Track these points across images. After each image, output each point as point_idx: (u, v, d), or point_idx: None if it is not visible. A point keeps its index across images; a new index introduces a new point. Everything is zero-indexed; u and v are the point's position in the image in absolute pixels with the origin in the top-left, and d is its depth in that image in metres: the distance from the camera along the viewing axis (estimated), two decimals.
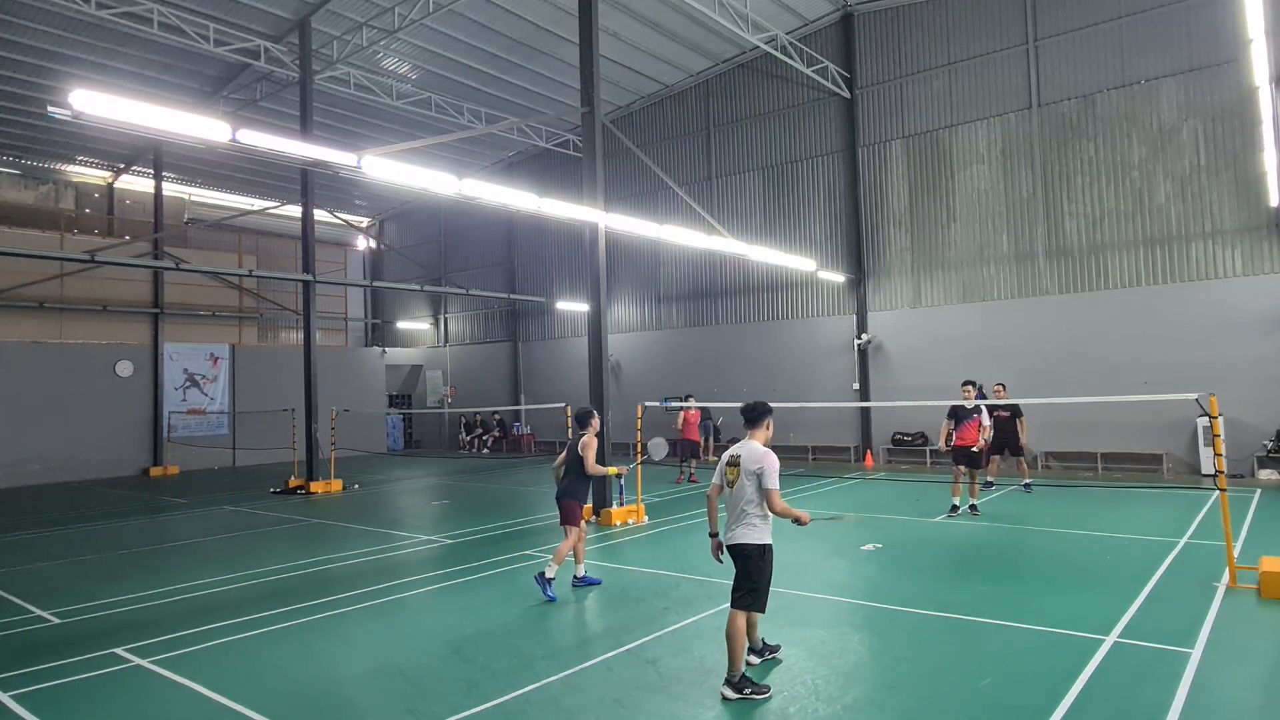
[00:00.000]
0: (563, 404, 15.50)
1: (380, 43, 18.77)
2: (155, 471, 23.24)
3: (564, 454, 8.38)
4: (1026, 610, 6.79)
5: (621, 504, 12.23)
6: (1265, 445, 14.83)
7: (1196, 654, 5.61)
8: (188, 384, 24.72)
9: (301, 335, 18.87)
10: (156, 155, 24.54)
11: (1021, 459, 13.81)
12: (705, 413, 20.05)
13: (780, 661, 5.75)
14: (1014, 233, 17.96)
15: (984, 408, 11.82)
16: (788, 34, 19.47)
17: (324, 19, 18.16)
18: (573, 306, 25.52)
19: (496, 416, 28.70)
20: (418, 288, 23.54)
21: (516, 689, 5.41)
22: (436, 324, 31.99)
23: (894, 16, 19.68)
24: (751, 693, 5.09)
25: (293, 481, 17.65)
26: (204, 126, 8.50)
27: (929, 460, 18.69)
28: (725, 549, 5.41)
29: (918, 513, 11.96)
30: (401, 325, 33.18)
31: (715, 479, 5.62)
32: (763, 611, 5.36)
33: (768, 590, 5.33)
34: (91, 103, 7.53)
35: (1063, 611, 6.70)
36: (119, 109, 7.70)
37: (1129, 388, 15.72)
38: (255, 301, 26.89)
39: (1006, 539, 10.13)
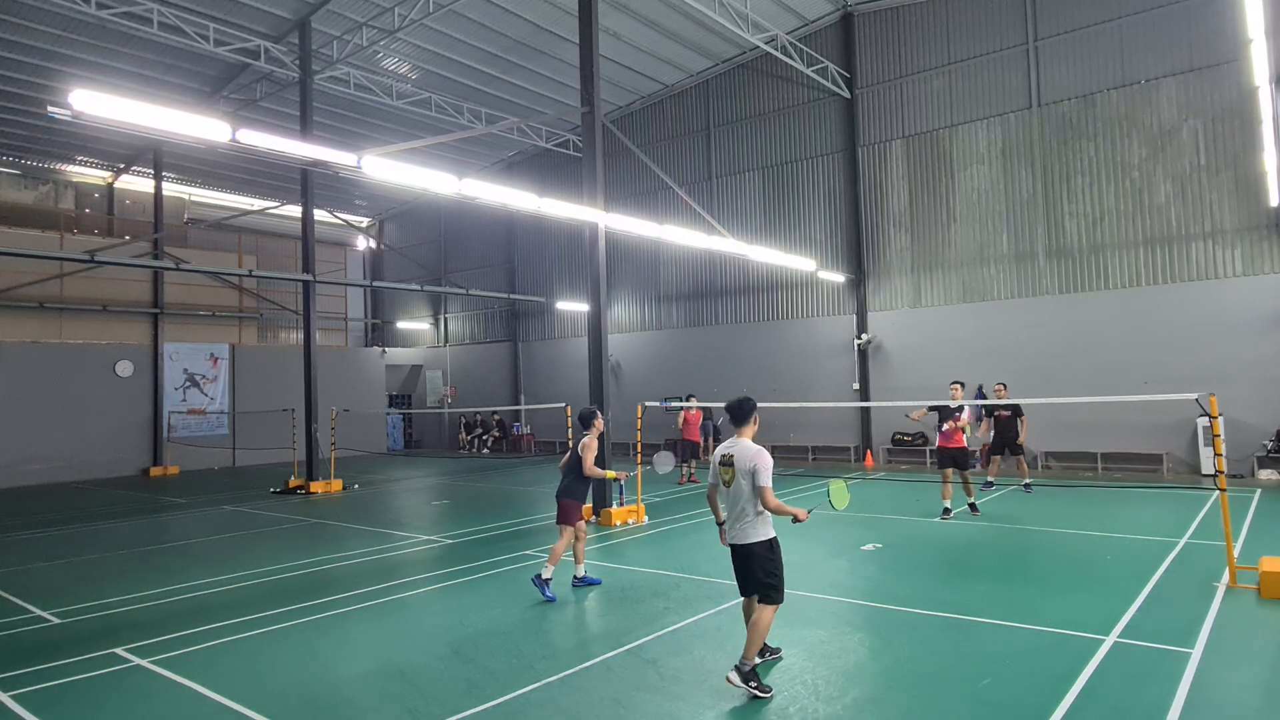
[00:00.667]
0: (563, 404, 15.50)
1: (380, 43, 18.76)
2: (155, 471, 23.24)
3: (568, 455, 8.39)
4: (1027, 610, 6.79)
5: (622, 504, 12.23)
6: (1265, 445, 14.83)
7: (1196, 654, 5.61)
8: (188, 384, 24.72)
9: (301, 335, 18.87)
10: (156, 155, 24.54)
11: (1021, 458, 13.81)
12: (706, 413, 20.07)
13: (781, 660, 5.76)
14: (1014, 233, 17.96)
15: (965, 406, 11.78)
16: (788, 34, 19.46)
17: (324, 19, 18.16)
18: (573, 306, 25.52)
19: (496, 416, 28.70)
20: (418, 288, 23.53)
21: (516, 689, 5.41)
22: (436, 324, 31.99)
23: (894, 16, 19.68)
24: (756, 687, 5.08)
25: (293, 481, 17.65)
26: (204, 126, 8.50)
27: (929, 460, 18.68)
28: (732, 548, 5.44)
29: (918, 513, 11.96)
30: (401, 325, 33.19)
31: (711, 478, 5.66)
32: (781, 601, 5.37)
33: (783, 580, 5.40)
34: (91, 103, 7.53)
35: (1063, 611, 6.70)
36: (119, 109, 7.70)
37: (1129, 388, 15.72)
38: (255, 301, 26.89)
39: (1006, 539, 10.13)
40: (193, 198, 28.15)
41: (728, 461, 5.42)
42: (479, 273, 29.49)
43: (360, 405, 26.16)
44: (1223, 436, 8.04)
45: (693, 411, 17.03)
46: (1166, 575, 7.86)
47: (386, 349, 31.62)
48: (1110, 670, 5.38)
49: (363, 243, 33.33)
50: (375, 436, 28.68)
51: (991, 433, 13.94)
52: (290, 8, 17.59)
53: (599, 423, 8.46)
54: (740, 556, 5.40)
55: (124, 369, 23.34)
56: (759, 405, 5.67)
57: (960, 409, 11.57)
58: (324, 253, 22.53)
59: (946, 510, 11.51)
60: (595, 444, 8.29)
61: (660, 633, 6.52)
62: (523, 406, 24.82)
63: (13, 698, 5.57)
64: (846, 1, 20.00)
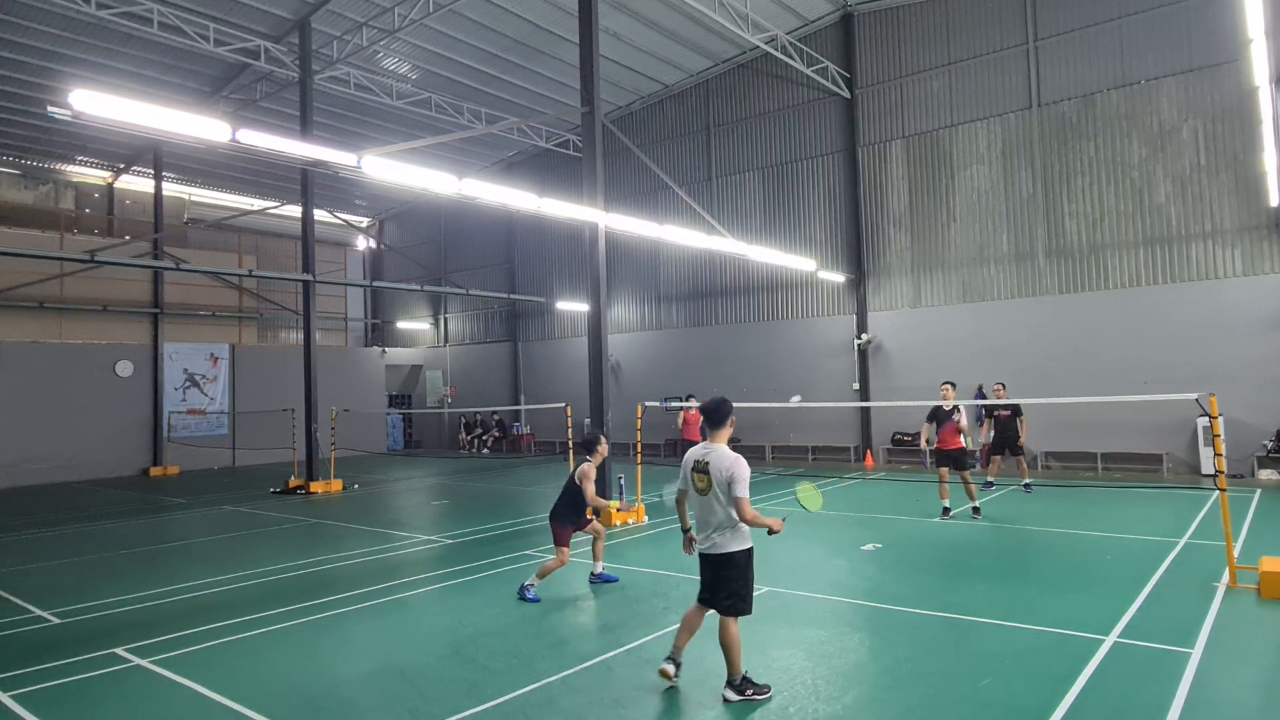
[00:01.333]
0: (563, 404, 15.50)
1: (380, 43, 18.77)
2: (155, 471, 23.24)
3: (568, 480, 8.21)
4: (1026, 610, 6.79)
5: (622, 504, 12.22)
6: (1265, 445, 14.83)
7: (1196, 654, 5.60)
8: (188, 384, 24.73)
9: (301, 335, 18.87)
10: (156, 155, 24.54)
11: (1021, 458, 13.81)
12: None
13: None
14: (1014, 233, 17.96)
15: (961, 408, 11.74)
16: (788, 34, 19.46)
17: (324, 19, 18.16)
18: (573, 306, 25.52)
19: (496, 417, 28.70)
20: (418, 288, 23.53)
21: (516, 689, 5.41)
22: (436, 324, 31.99)
23: (894, 16, 19.68)
24: (753, 693, 5.09)
25: (293, 481, 17.65)
26: (204, 126, 8.50)
27: (929, 461, 18.66)
28: (704, 557, 5.26)
29: (918, 513, 11.96)
30: (401, 325, 33.19)
31: (681, 484, 5.49)
32: (750, 613, 5.23)
33: (752, 592, 5.26)
34: (91, 103, 7.53)
35: (1063, 611, 6.70)
36: (119, 109, 7.70)
37: (1129, 388, 15.72)
38: (255, 301, 26.90)
39: (1006, 539, 10.13)
40: (193, 198, 28.15)
41: (702, 468, 5.23)
42: (479, 273, 29.49)
43: (360, 405, 26.17)
44: (1223, 436, 8.04)
45: (692, 412, 17.02)
46: (1166, 575, 7.85)
47: (386, 349, 31.62)
48: (1110, 670, 5.38)
49: (363, 243, 33.33)
50: (375, 436, 28.69)
51: (992, 433, 13.95)
52: (290, 8, 17.59)
53: (602, 448, 8.26)
54: (714, 566, 5.22)
55: (124, 369, 23.34)
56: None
57: (955, 410, 11.55)
58: (324, 253, 22.53)
59: (946, 510, 11.50)
60: (594, 472, 8.05)
61: (660, 633, 6.51)
62: (523, 406, 24.82)
63: (13, 698, 5.56)
64: (846, 1, 20.00)
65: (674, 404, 17.91)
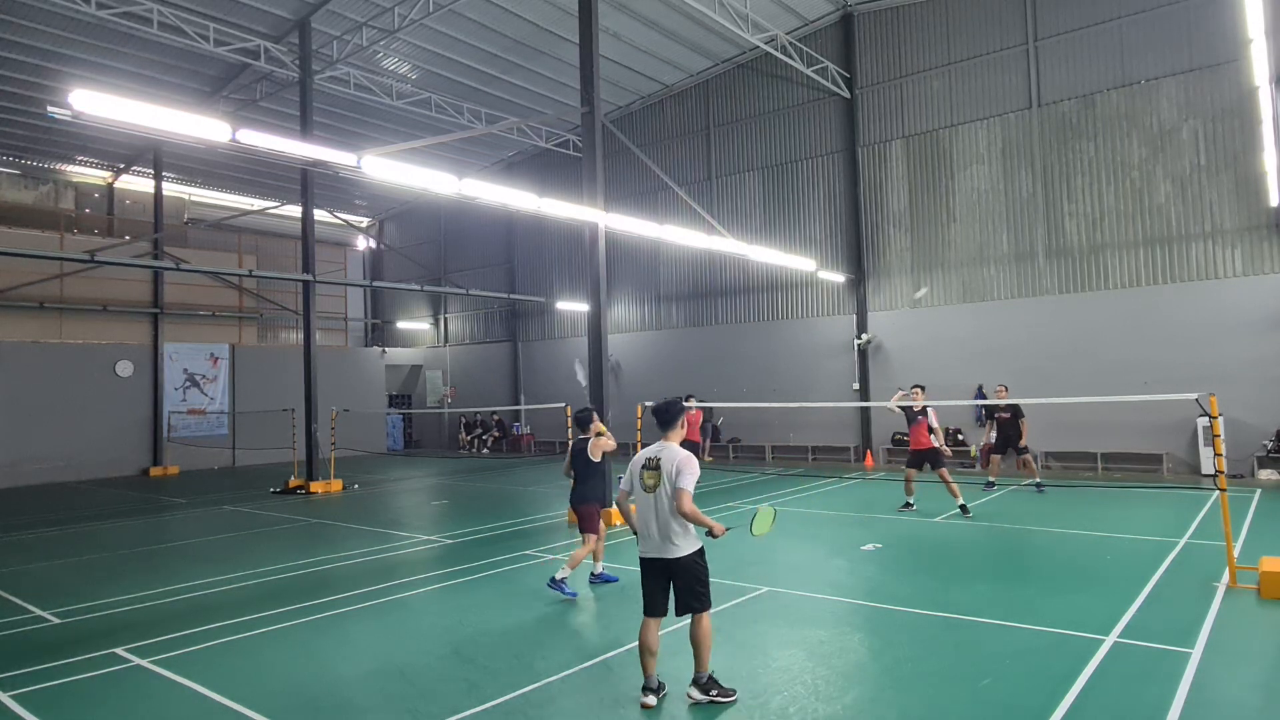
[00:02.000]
0: (563, 404, 15.50)
1: (380, 43, 18.76)
2: (155, 471, 23.24)
3: (568, 459, 8.38)
4: (1026, 610, 6.79)
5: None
6: (1265, 445, 14.83)
7: (1196, 654, 5.60)
8: (188, 384, 24.72)
9: (301, 335, 18.86)
10: (156, 155, 24.54)
11: (1029, 458, 13.79)
12: (705, 413, 20.05)
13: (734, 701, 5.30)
14: (1014, 233, 17.96)
15: (930, 410, 12.04)
16: (788, 34, 19.46)
17: (324, 19, 18.16)
18: (573, 306, 25.52)
19: (496, 417, 28.70)
20: (418, 288, 23.54)
21: (516, 689, 5.41)
22: (436, 324, 31.99)
23: (894, 16, 19.68)
24: (718, 695, 5.02)
25: (293, 481, 17.65)
26: (204, 126, 8.50)
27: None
28: (652, 563, 5.06)
29: (917, 513, 11.96)
30: (401, 325, 33.19)
31: (625, 484, 5.24)
32: (710, 605, 5.09)
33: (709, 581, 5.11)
34: (91, 103, 7.53)
35: (1063, 611, 6.70)
36: (119, 109, 7.70)
37: (1129, 388, 15.71)
38: (255, 301, 26.89)
39: (1006, 539, 10.13)
40: (193, 198, 28.14)
41: (653, 465, 5.03)
42: (479, 273, 29.49)
43: (360, 405, 26.16)
44: (1223, 436, 8.03)
45: (692, 412, 17.01)
46: (1166, 575, 7.85)
47: (386, 349, 31.62)
48: (1110, 670, 5.38)
49: (363, 243, 33.33)
50: (375, 436, 28.69)
51: (994, 434, 13.98)
52: (290, 8, 17.59)
53: (597, 424, 8.44)
54: (662, 572, 5.02)
55: (124, 369, 23.34)
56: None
57: (923, 412, 11.76)
58: (324, 253, 22.54)
59: (909, 504, 11.89)
60: (606, 441, 8.25)
61: (659, 633, 6.50)
62: (523, 406, 24.82)
63: (13, 698, 5.56)
64: (846, 1, 20.00)
65: None
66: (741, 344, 22.35)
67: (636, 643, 5.21)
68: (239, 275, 21.23)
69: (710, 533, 4.98)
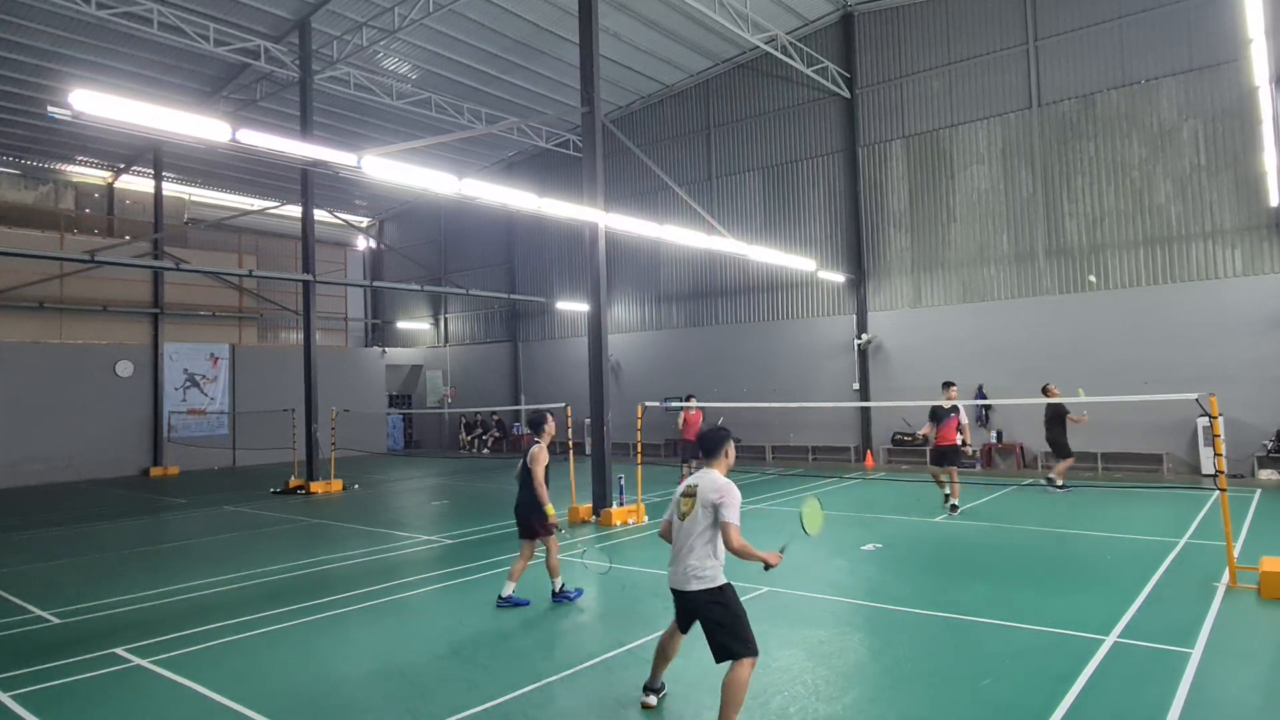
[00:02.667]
0: (563, 404, 15.49)
1: (380, 43, 18.76)
2: (155, 471, 23.24)
3: (520, 465, 7.68)
4: (1026, 610, 6.79)
5: (622, 504, 12.23)
6: (1265, 445, 14.82)
7: (1196, 654, 5.61)
8: (188, 384, 24.73)
9: (301, 335, 18.87)
10: (156, 155, 24.54)
11: (1064, 459, 13.67)
12: (706, 414, 20.02)
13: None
14: (1014, 233, 17.95)
15: (961, 407, 11.99)
16: (788, 34, 19.45)
17: (324, 19, 18.16)
18: (573, 306, 25.52)
19: (496, 417, 28.69)
20: (418, 288, 23.54)
21: (516, 689, 5.41)
22: (436, 324, 31.99)
23: (894, 16, 19.68)
24: None
25: (293, 481, 17.65)
26: (204, 126, 8.50)
27: (929, 460, 18.65)
28: (679, 596, 4.72)
29: (918, 513, 11.96)
30: (401, 325, 33.18)
31: (667, 514, 4.98)
32: (757, 654, 4.51)
33: (750, 629, 4.56)
34: (91, 103, 7.52)
35: (1063, 611, 6.70)
36: (119, 109, 7.69)
37: (1129, 388, 15.70)
38: (255, 301, 26.89)
39: (1006, 539, 10.13)
40: (193, 198, 28.14)
41: (690, 492, 4.74)
42: (479, 273, 29.49)
43: (360, 405, 26.16)
44: (1223, 436, 8.03)
45: (692, 412, 17.00)
46: (1166, 575, 7.85)
47: (386, 349, 31.62)
48: (1110, 670, 5.38)
49: (363, 243, 33.33)
50: (375, 436, 28.69)
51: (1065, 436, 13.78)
52: (290, 8, 17.59)
53: (550, 427, 7.79)
54: (693, 606, 4.64)
55: (124, 369, 23.34)
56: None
57: (954, 409, 11.74)
58: (324, 253, 22.54)
59: (952, 506, 11.68)
60: (545, 454, 7.57)
61: (660, 633, 6.48)
62: (523, 406, 24.80)
63: (13, 698, 5.57)
64: (846, 1, 20.00)
65: (674, 404, 17.89)
66: (741, 344, 22.35)
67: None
68: (239, 275, 21.23)
69: (766, 565, 4.63)
